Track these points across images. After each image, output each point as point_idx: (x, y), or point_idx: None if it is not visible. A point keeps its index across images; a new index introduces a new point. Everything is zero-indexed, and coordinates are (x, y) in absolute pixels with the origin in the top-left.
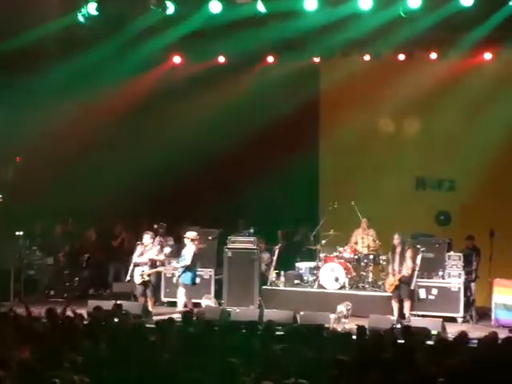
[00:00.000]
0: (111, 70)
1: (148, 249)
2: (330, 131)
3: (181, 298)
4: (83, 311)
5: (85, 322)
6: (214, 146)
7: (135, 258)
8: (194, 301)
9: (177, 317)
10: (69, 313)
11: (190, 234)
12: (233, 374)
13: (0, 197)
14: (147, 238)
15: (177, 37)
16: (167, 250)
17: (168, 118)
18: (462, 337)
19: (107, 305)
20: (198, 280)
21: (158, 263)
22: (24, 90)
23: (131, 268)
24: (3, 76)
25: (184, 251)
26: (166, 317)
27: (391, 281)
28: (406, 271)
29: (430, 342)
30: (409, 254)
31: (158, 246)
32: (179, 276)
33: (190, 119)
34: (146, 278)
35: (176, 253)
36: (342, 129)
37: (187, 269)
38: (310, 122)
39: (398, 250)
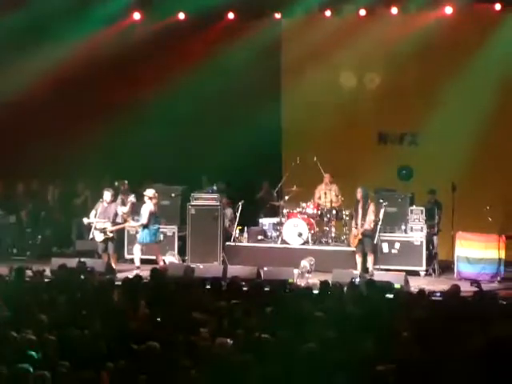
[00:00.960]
0: (68, 27)
1: (109, 205)
2: (292, 87)
3: (136, 254)
4: (47, 269)
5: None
6: (176, 102)
7: (97, 215)
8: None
9: (135, 273)
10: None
11: (149, 192)
12: (195, 329)
13: None
14: (108, 194)
15: None
16: (128, 207)
17: (127, 77)
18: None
19: (71, 263)
20: (161, 237)
21: (119, 220)
22: None
23: (94, 226)
24: None
25: (142, 209)
26: (129, 274)
27: (354, 235)
28: (367, 225)
29: (391, 296)
30: (371, 208)
31: (120, 203)
32: (137, 235)
33: (151, 78)
34: (110, 235)
35: (138, 210)
36: (304, 84)
37: (144, 227)
38: (272, 77)
39: (361, 204)
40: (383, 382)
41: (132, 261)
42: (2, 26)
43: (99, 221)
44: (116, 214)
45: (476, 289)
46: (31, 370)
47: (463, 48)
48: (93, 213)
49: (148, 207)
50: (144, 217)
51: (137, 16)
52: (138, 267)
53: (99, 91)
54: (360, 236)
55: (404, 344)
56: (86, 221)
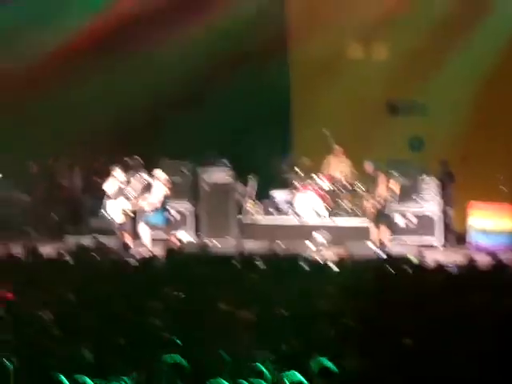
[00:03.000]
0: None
1: (122, 183)
2: (299, 57)
3: (146, 236)
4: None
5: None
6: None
7: (111, 192)
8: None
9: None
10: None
11: (161, 175)
12: (212, 305)
13: None
14: (119, 172)
15: None
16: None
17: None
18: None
19: (85, 241)
20: (171, 217)
21: (133, 198)
22: None
23: (108, 203)
24: None
25: (153, 191)
26: (144, 252)
27: (367, 207)
28: (380, 198)
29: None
30: (382, 180)
31: (135, 181)
32: (148, 216)
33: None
34: (131, 215)
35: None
36: (311, 51)
37: (157, 209)
38: (277, 48)
39: (372, 177)
40: None
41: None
42: None
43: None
44: (132, 193)
45: (492, 260)
46: None
47: (476, 13)
48: (110, 191)
49: (162, 190)
50: (157, 199)
51: None
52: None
53: None
54: (373, 210)
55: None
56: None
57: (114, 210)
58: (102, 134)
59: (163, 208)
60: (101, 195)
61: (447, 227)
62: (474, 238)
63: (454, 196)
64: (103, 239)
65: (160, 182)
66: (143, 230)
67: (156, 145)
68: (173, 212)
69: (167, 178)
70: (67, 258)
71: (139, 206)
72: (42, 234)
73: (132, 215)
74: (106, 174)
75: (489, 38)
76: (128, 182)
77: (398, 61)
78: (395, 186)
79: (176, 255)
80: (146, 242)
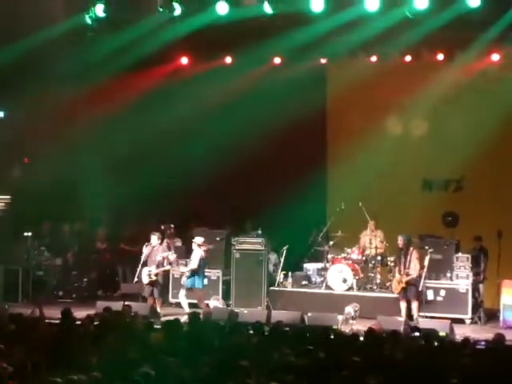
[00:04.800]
0: (115, 65)
1: (155, 249)
2: (337, 132)
3: (183, 300)
4: (91, 312)
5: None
6: (222, 148)
7: (143, 259)
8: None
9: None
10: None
11: (198, 240)
12: (240, 375)
13: (8, 197)
14: (154, 238)
15: (184, 37)
16: (173, 252)
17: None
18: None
19: (116, 306)
20: (205, 282)
21: (165, 263)
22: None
23: (139, 269)
24: (11, 78)
25: (192, 256)
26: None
27: (398, 282)
28: (413, 272)
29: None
30: (414, 255)
31: (166, 247)
32: (186, 279)
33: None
34: (154, 278)
35: (184, 254)
36: (349, 129)
37: (194, 272)
38: (317, 122)
39: (403, 251)
40: None
41: (177, 305)
42: None
43: (146, 263)
44: (162, 258)
45: None
46: None
47: (509, 94)
48: (142, 256)
49: (198, 253)
50: (194, 262)
51: (184, 60)
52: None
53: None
54: (404, 284)
55: None
56: (144, 272)
57: (146, 276)
58: (136, 200)
59: (198, 272)
60: (135, 261)
61: (479, 304)
62: (505, 315)
63: (487, 273)
64: (133, 304)
65: (197, 246)
66: (181, 295)
67: (190, 213)
68: (206, 280)
69: (204, 240)
70: (97, 322)
71: (176, 270)
72: (75, 298)
73: (158, 280)
74: (142, 240)
75: None
76: (165, 249)
77: (433, 137)
78: (427, 261)
79: (204, 321)
80: (184, 306)
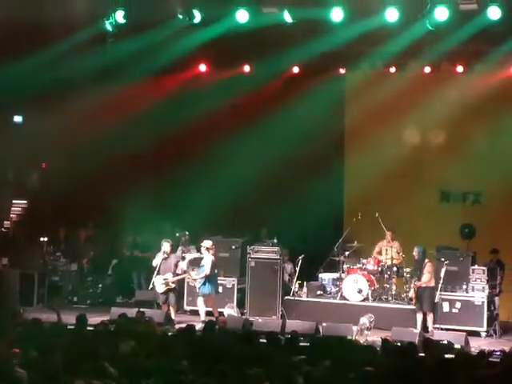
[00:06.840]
0: (133, 71)
1: (169, 257)
2: (355, 143)
3: (201, 308)
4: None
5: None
6: (241, 161)
7: (157, 266)
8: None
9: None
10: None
11: (206, 243)
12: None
13: (25, 203)
14: (167, 245)
15: (203, 44)
16: (189, 257)
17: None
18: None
19: (130, 312)
20: (220, 289)
21: (180, 271)
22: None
23: (154, 276)
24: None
25: (203, 262)
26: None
27: (414, 293)
28: (425, 282)
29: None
30: (427, 267)
31: (181, 255)
32: (199, 287)
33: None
34: (172, 286)
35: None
36: (367, 141)
37: (207, 279)
38: (335, 134)
39: (419, 262)
40: None
41: (192, 312)
42: None
43: (160, 271)
44: (176, 265)
45: None
46: None
47: None
48: (155, 263)
49: (209, 258)
50: (207, 268)
51: (202, 67)
52: (203, 321)
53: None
54: (413, 294)
55: None
56: (158, 280)
57: (160, 283)
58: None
59: (211, 278)
60: (148, 268)
61: (494, 317)
62: None
63: (503, 286)
64: (148, 311)
65: (205, 250)
66: (200, 302)
67: (206, 221)
68: (220, 287)
69: (212, 243)
70: (111, 328)
71: (190, 278)
72: (90, 304)
73: (176, 287)
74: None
75: None
76: (175, 255)
77: (452, 149)
78: (443, 273)
79: (218, 330)
80: (202, 314)
